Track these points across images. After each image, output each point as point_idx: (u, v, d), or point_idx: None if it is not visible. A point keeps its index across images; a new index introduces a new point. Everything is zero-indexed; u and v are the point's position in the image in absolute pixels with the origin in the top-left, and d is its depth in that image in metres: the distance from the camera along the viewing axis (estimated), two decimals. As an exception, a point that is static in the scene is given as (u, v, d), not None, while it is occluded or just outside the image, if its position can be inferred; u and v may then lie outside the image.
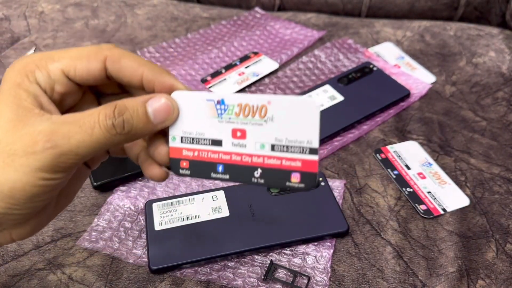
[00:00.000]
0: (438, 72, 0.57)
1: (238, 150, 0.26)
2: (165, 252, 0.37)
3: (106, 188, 0.43)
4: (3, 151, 0.24)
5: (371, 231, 0.40)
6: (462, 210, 0.42)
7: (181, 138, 0.27)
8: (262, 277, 0.36)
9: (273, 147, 0.25)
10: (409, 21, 0.66)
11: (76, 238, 0.40)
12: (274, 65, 0.57)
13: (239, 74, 0.56)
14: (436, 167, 0.45)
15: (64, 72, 0.26)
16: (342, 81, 0.53)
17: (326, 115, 0.50)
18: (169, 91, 0.26)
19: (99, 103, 0.29)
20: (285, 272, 0.37)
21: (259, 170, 0.26)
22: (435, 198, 0.42)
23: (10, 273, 0.37)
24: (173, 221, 0.39)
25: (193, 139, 0.27)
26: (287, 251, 0.38)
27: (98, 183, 0.43)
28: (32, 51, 0.61)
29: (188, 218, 0.40)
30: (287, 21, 0.65)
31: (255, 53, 0.59)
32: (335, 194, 0.43)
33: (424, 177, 0.44)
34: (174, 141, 0.27)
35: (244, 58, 0.58)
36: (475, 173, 0.45)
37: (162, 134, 0.27)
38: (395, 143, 0.48)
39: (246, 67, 0.57)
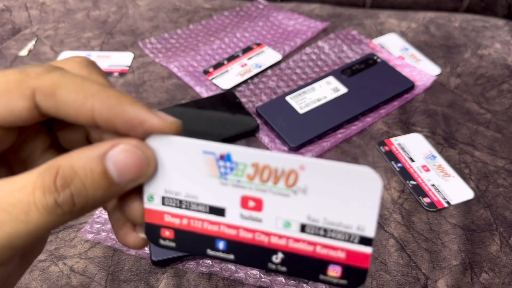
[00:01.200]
0: (443, 64, 0.56)
1: (249, 224, 0.19)
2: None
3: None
4: None
5: (374, 223, 0.40)
6: (466, 203, 0.41)
7: (163, 198, 0.20)
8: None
9: (303, 228, 0.19)
10: (414, 12, 0.65)
11: (78, 230, 0.39)
12: (277, 57, 0.56)
13: (242, 66, 0.55)
14: (440, 160, 0.45)
15: None
16: (345, 73, 0.53)
17: (329, 107, 0.49)
18: (139, 130, 0.18)
19: (48, 135, 0.21)
20: (287, 264, 0.37)
21: (280, 255, 0.19)
22: (439, 191, 0.42)
23: (12, 264, 0.37)
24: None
25: (181, 201, 0.20)
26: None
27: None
28: (33, 42, 0.61)
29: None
30: (290, 12, 0.65)
31: (258, 44, 0.58)
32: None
33: (428, 170, 0.44)
34: (152, 202, 0.20)
35: (246, 49, 0.58)
36: (480, 166, 0.44)
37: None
38: (399, 135, 0.47)
39: (248, 59, 0.56)
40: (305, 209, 0.18)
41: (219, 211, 0.19)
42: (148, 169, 0.18)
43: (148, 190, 0.20)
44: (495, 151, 0.46)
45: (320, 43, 0.58)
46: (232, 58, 0.56)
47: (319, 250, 0.19)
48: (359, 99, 0.50)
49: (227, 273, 0.36)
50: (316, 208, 0.18)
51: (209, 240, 0.20)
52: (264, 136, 0.48)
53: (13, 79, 0.18)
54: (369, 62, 0.54)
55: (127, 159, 0.18)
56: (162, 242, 0.20)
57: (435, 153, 0.45)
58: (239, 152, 0.18)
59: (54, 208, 0.16)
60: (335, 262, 0.19)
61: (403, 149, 0.46)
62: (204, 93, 0.52)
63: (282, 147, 0.47)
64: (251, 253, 0.19)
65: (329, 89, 0.51)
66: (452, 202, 0.41)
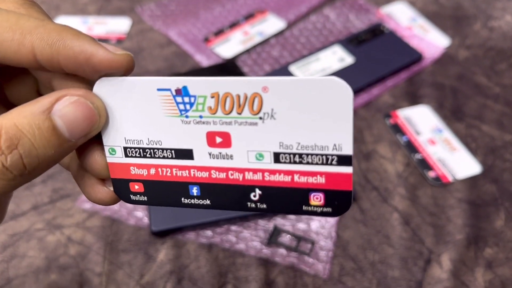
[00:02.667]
0: (452, 35, 0.54)
1: (220, 163, 0.17)
2: (167, 214, 0.36)
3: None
4: None
5: (378, 197, 0.39)
6: (472, 177, 0.40)
7: (125, 149, 0.18)
8: (266, 241, 0.36)
9: (277, 157, 0.17)
10: (423, -19, 0.63)
11: (75, 199, 0.39)
12: (281, 24, 0.54)
13: (244, 34, 0.53)
14: (447, 133, 0.44)
15: None
16: (352, 42, 0.51)
17: (334, 78, 0.48)
18: (86, 68, 0.16)
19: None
20: (289, 236, 0.36)
21: (258, 191, 0.18)
22: (445, 165, 0.41)
23: (9, 232, 0.36)
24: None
25: (144, 150, 0.18)
26: (291, 216, 0.37)
27: None
28: None
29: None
30: (294, -22, 0.62)
31: (261, 11, 0.56)
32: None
33: (434, 143, 0.43)
34: (114, 155, 0.18)
35: (249, 16, 0.55)
36: (487, 140, 0.43)
37: (95, 138, 0.18)
38: (406, 108, 0.46)
39: (251, 26, 0.54)
40: (276, 136, 0.17)
41: (186, 154, 0.18)
42: (100, 120, 0.17)
43: (107, 143, 0.18)
44: (503, 126, 0.45)
45: (326, 11, 0.56)
46: (233, 25, 0.54)
47: (297, 179, 0.17)
48: (366, 70, 0.48)
49: (227, 244, 0.36)
50: (287, 133, 0.17)
51: (181, 188, 0.18)
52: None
53: None
54: (377, 32, 0.52)
55: (75, 112, 0.16)
56: (133, 197, 0.19)
57: (442, 126, 0.44)
58: (195, 82, 0.16)
59: (2, 173, 0.15)
60: (316, 189, 0.17)
61: (409, 122, 0.45)
62: (204, 61, 0.51)
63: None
64: (227, 195, 0.18)
65: (334, 59, 0.49)
66: (458, 177, 0.40)
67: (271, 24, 0.54)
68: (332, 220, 0.37)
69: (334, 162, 0.17)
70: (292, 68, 0.49)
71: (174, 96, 0.17)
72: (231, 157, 0.17)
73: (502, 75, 0.50)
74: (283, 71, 0.49)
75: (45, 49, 0.16)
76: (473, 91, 0.48)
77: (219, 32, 0.53)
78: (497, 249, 0.36)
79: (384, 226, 0.37)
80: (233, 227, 0.37)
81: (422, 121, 0.45)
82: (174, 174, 0.18)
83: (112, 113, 0.17)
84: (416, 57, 0.50)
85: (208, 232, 0.36)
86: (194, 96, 0.17)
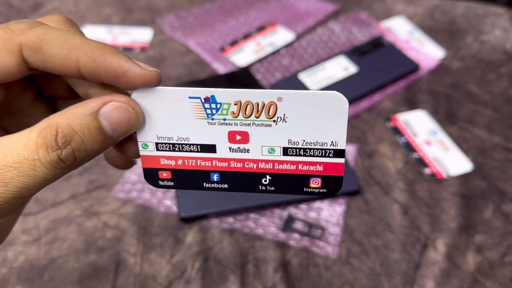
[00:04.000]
0: (446, 47, 0.60)
1: (238, 156, 0.22)
2: (194, 203, 0.41)
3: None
4: None
5: (379, 190, 0.44)
6: (464, 174, 0.45)
7: (157, 144, 0.22)
8: (281, 227, 0.40)
9: (286, 151, 0.22)
10: (420, -2, 0.69)
11: (110, 189, 0.43)
12: (290, 36, 0.59)
13: (257, 44, 0.58)
14: (441, 135, 0.49)
15: None
16: (355, 54, 0.56)
17: (339, 85, 0.53)
18: (122, 80, 0.19)
19: (49, 104, 0.23)
20: (301, 223, 0.41)
21: (268, 177, 0.22)
22: (439, 163, 0.46)
23: (51, 218, 0.41)
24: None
25: (173, 145, 0.22)
26: (303, 206, 0.42)
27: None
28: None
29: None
30: (301, -6, 0.67)
31: (272, 24, 0.61)
32: (347, 157, 0.46)
33: (430, 144, 0.48)
34: (147, 149, 0.22)
35: (260, 28, 0.60)
36: (477, 141, 0.48)
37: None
38: (404, 112, 0.51)
39: (263, 38, 0.59)
40: (286, 135, 0.21)
41: (210, 148, 0.22)
42: (138, 122, 0.20)
43: (141, 140, 0.21)
44: (491, 129, 0.50)
45: (331, 25, 0.62)
46: (246, 36, 0.59)
47: (301, 167, 0.22)
48: (368, 78, 0.53)
49: (247, 229, 0.40)
50: (295, 132, 0.21)
51: (204, 175, 0.22)
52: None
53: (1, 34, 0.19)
54: (377, 44, 0.57)
55: (118, 115, 0.19)
56: (160, 183, 0.23)
57: (437, 129, 0.49)
58: (221, 93, 0.20)
59: (57, 163, 0.18)
60: (315, 175, 0.22)
61: (407, 124, 0.50)
62: (221, 69, 0.56)
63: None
64: (242, 180, 0.22)
65: (339, 68, 0.55)
66: (451, 173, 0.45)
67: (281, 35, 0.59)
68: (339, 210, 0.42)
69: (330, 155, 0.21)
70: (301, 76, 0.54)
71: (203, 103, 0.21)
72: (248, 151, 0.22)
73: (491, 84, 0.55)
74: (293, 79, 0.54)
75: (88, 63, 0.19)
76: (465, 98, 0.53)
77: (233, 43, 0.59)
78: (485, 235, 0.40)
79: (386, 215, 0.42)
80: (252, 215, 0.41)
81: (419, 124, 0.50)
82: (199, 164, 0.22)
83: (147, 115, 0.21)
84: (413, 67, 0.55)
85: (230, 219, 0.41)
86: (220, 103, 0.21)
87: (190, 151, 0.22)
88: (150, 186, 0.43)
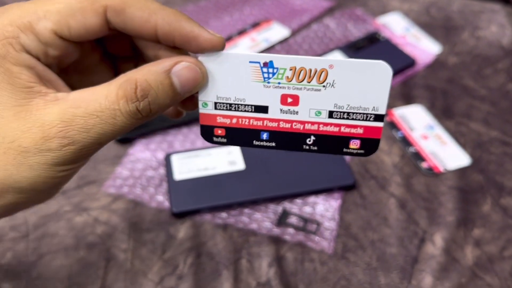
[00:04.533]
0: (442, 43, 0.59)
1: (287, 117, 0.24)
2: (186, 198, 0.40)
3: (127, 140, 0.46)
4: (10, 148, 0.20)
5: (376, 185, 0.43)
6: (461, 168, 0.44)
7: (215, 104, 0.24)
8: (276, 222, 0.39)
9: (331, 114, 0.23)
10: (415, -5, 0.68)
11: (100, 185, 0.42)
12: (285, 32, 0.59)
13: (251, 40, 0.58)
14: (438, 130, 0.48)
15: (57, 33, 0.21)
16: (350, 49, 0.55)
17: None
18: (193, 43, 0.21)
19: (112, 65, 0.25)
20: (296, 218, 0.40)
21: (312, 138, 0.24)
22: (436, 157, 0.45)
23: (40, 214, 0.40)
24: (191, 171, 0.42)
25: (230, 105, 0.23)
26: (299, 200, 0.41)
27: (120, 136, 0.45)
28: None
29: (205, 169, 0.42)
30: (297, -9, 0.67)
31: (266, 20, 0.61)
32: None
33: (426, 138, 0.47)
34: (206, 107, 0.24)
35: (255, 25, 0.60)
36: (474, 136, 0.48)
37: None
38: (401, 107, 0.51)
39: (258, 34, 0.59)
40: (333, 99, 0.23)
41: (263, 109, 0.24)
42: (203, 81, 0.22)
43: (202, 99, 0.24)
44: (489, 124, 0.49)
45: (326, 21, 0.61)
46: (241, 32, 0.59)
47: (343, 129, 0.24)
48: (363, 73, 0.53)
49: (241, 224, 0.39)
50: (342, 97, 0.23)
51: (255, 133, 0.24)
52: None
53: None
54: (373, 39, 0.57)
55: (187, 74, 0.21)
56: (215, 139, 0.25)
57: (434, 123, 0.49)
58: (279, 58, 0.22)
59: (135, 113, 0.21)
60: (356, 137, 0.24)
61: (404, 119, 0.49)
62: (215, 65, 0.55)
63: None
64: (289, 139, 0.24)
65: (334, 64, 0.54)
66: (449, 167, 0.44)
67: (276, 31, 0.59)
68: (335, 204, 0.41)
69: (371, 119, 0.23)
70: (296, 71, 0.53)
71: (261, 67, 0.23)
72: (297, 113, 0.23)
73: (488, 79, 0.55)
74: (288, 74, 0.53)
75: (165, 27, 0.21)
76: (462, 92, 0.53)
77: (228, 39, 0.58)
78: (484, 229, 0.40)
79: (382, 209, 0.41)
80: (246, 210, 0.40)
81: (415, 119, 0.49)
82: (251, 123, 0.24)
83: (210, 76, 0.23)
84: (409, 62, 0.55)
85: (223, 214, 0.40)
86: (277, 68, 0.22)
87: (245, 111, 0.24)
88: (141, 181, 0.42)
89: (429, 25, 0.62)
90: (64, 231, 0.39)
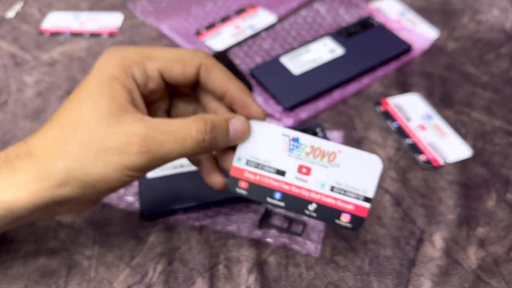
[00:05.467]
0: (440, 28, 0.55)
1: (299, 183, 0.29)
2: (157, 198, 0.36)
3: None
4: (95, 145, 0.25)
5: (369, 180, 0.39)
6: (462, 161, 0.41)
7: (247, 160, 0.29)
8: (257, 223, 0.35)
9: (332, 188, 0.29)
10: (411, -21, 0.64)
11: (66, 185, 0.38)
12: (272, 19, 0.55)
13: (235, 28, 0.54)
14: (437, 119, 0.44)
15: (160, 71, 0.28)
16: (342, 35, 0.52)
17: (325, 68, 0.48)
18: (244, 111, 0.29)
19: (170, 101, 0.31)
20: (280, 218, 0.36)
21: (314, 205, 0.29)
22: (435, 149, 0.41)
23: (-3, 218, 0.36)
24: (165, 167, 0.38)
25: (258, 164, 0.29)
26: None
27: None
28: (21, 4, 0.59)
29: (181, 166, 0.38)
30: (285, -23, 0.63)
31: (252, 6, 0.57)
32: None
33: (424, 129, 0.43)
34: (239, 162, 0.29)
35: (240, 11, 0.56)
36: (476, 125, 0.44)
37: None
38: (396, 96, 0.47)
39: (242, 21, 0.55)
40: (336, 177, 0.29)
41: (282, 173, 0.29)
42: (247, 135, 0.29)
43: (238, 154, 0.29)
44: (491, 112, 0.45)
45: (316, 5, 0.57)
46: (225, 19, 0.55)
47: (339, 203, 0.29)
48: (355, 61, 0.49)
49: (219, 226, 0.35)
50: (342, 176, 0.29)
51: (270, 191, 0.29)
52: (258, 96, 0.47)
53: (188, 54, 0.28)
54: (366, 24, 0.53)
55: (239, 126, 0.28)
56: (238, 190, 0.29)
57: (432, 113, 0.45)
58: (304, 137, 0.29)
59: (201, 142, 0.26)
60: (347, 212, 0.29)
61: (399, 109, 0.45)
62: (196, 54, 0.51)
63: (276, 107, 0.46)
64: (296, 202, 0.29)
65: (325, 50, 0.50)
66: (449, 160, 0.40)
67: (262, 18, 0.55)
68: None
69: (361, 199, 0.29)
70: (283, 60, 0.49)
71: (290, 140, 0.29)
72: (307, 182, 0.29)
73: (490, 64, 0.51)
74: (274, 62, 0.49)
75: (233, 93, 0.29)
76: (462, 80, 0.49)
77: (210, 26, 0.54)
78: (488, 228, 0.36)
79: (375, 207, 0.37)
80: (224, 210, 0.36)
81: (412, 108, 0.45)
82: (269, 183, 0.29)
83: (250, 138, 0.29)
84: (405, 48, 0.51)
85: (199, 215, 0.36)
86: (301, 143, 0.29)
87: (268, 171, 0.29)
88: (110, 180, 0.38)
89: (426, 9, 0.58)
90: (24, 237, 0.35)
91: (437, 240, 0.35)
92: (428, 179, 0.39)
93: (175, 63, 0.28)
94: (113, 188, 0.26)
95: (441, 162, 0.40)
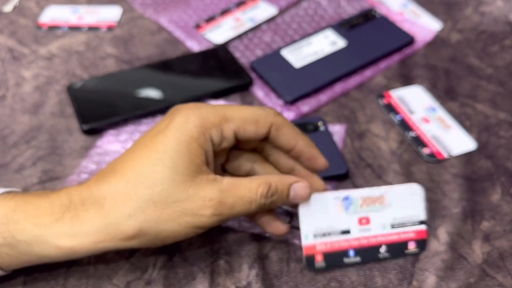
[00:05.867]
0: (443, 20, 0.54)
1: (364, 234, 0.31)
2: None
3: (95, 131, 0.41)
4: (170, 205, 0.26)
5: (371, 174, 0.38)
6: (467, 154, 0.40)
7: (314, 234, 0.31)
8: (259, 218, 0.35)
9: (392, 226, 0.32)
10: (414, -30, 0.63)
11: (65, 181, 0.38)
12: (273, 11, 0.54)
13: (235, 20, 0.53)
14: (440, 112, 0.43)
15: (235, 132, 0.29)
16: (344, 27, 0.51)
17: (327, 61, 0.48)
18: (312, 162, 0.31)
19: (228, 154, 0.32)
20: (281, 212, 0.35)
21: (384, 247, 0.31)
22: (439, 142, 0.40)
23: (-5, 213, 0.36)
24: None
25: (324, 233, 0.31)
26: (285, 192, 0.37)
27: (88, 127, 0.41)
28: (15, 2, 0.58)
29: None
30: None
31: None
32: (335, 138, 0.41)
33: (428, 122, 0.42)
34: (307, 239, 0.31)
35: (240, 3, 0.55)
36: (481, 118, 0.43)
37: None
38: (399, 88, 0.46)
39: (243, 13, 0.54)
40: (391, 215, 0.32)
41: (347, 232, 0.31)
42: (307, 199, 0.31)
43: (304, 232, 0.31)
44: (496, 104, 0.45)
45: (317, -2, 0.56)
46: (224, 12, 0.54)
47: (402, 236, 0.32)
48: (358, 53, 0.48)
49: (220, 221, 0.35)
50: (396, 212, 0.32)
51: (344, 253, 0.31)
52: (259, 90, 0.46)
53: (261, 113, 0.29)
54: (368, 16, 0.52)
55: (301, 192, 0.30)
56: (316, 265, 0.31)
57: (436, 105, 0.44)
58: (353, 194, 0.32)
59: (263, 205, 0.28)
60: (411, 239, 0.32)
61: (402, 101, 0.44)
62: (195, 47, 0.50)
63: (277, 101, 0.45)
64: (369, 252, 0.31)
65: (326, 43, 0.49)
66: (453, 153, 0.40)
67: (263, 10, 0.54)
68: (326, 196, 0.36)
69: (417, 224, 0.32)
70: (284, 52, 0.49)
71: (342, 201, 0.31)
72: (370, 229, 0.32)
73: (495, 56, 0.50)
74: (275, 55, 0.49)
75: (302, 148, 0.30)
76: (466, 72, 0.48)
77: (210, 19, 0.53)
78: (494, 222, 0.35)
79: (379, 201, 0.36)
80: (225, 205, 0.36)
81: (415, 101, 0.44)
82: (340, 245, 0.31)
83: (309, 214, 0.31)
84: (408, 40, 0.50)
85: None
86: (352, 199, 0.32)
87: (334, 235, 0.31)
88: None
89: (429, 0, 0.57)
90: (22, 232, 0.34)
91: (442, 234, 0.34)
92: (432, 173, 0.38)
93: (248, 124, 0.29)
94: (175, 241, 0.28)
95: (445, 155, 0.40)
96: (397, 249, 0.31)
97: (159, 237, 0.27)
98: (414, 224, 0.32)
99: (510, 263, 0.33)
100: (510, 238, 0.34)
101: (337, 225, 0.31)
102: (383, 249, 0.31)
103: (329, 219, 0.31)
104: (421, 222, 0.32)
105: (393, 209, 0.32)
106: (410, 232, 0.32)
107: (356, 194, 0.31)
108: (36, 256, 0.27)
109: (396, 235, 0.32)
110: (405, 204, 0.32)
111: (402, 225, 0.32)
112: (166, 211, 0.26)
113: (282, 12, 0.55)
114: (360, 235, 0.31)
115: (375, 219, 0.31)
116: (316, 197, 0.31)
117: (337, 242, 0.31)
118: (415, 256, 0.32)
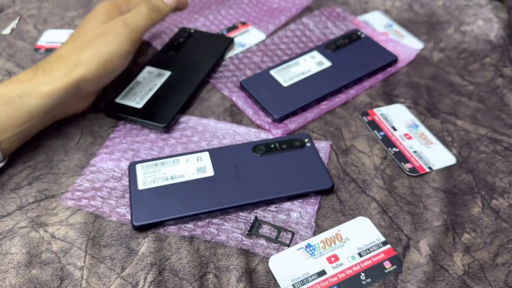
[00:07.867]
0: (426, 39, 0.57)
1: (339, 269, 0.33)
2: (149, 209, 0.37)
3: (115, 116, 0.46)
4: (97, 33, 0.41)
5: (356, 188, 0.40)
6: (448, 168, 0.41)
7: (293, 285, 0.33)
8: (246, 233, 0.36)
9: (360, 254, 0.34)
10: (398, -8, 0.66)
11: (59, 199, 0.39)
12: (261, 36, 0.56)
13: (226, 42, 0.55)
14: (422, 128, 0.45)
15: None
16: (329, 47, 0.53)
17: (313, 80, 0.49)
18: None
19: None
20: (269, 227, 0.37)
21: (363, 274, 0.33)
22: (421, 157, 0.42)
23: (-9, 231, 0.37)
24: (156, 180, 0.39)
25: (302, 281, 0.33)
26: (272, 208, 0.38)
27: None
28: (16, 21, 0.60)
29: (172, 178, 0.39)
30: (275, -8, 0.64)
31: (243, 23, 0.58)
32: (321, 154, 0.42)
33: (410, 138, 0.44)
34: None
35: (231, 28, 0.57)
36: (462, 134, 0.45)
37: None
38: (382, 106, 0.48)
39: (233, 37, 0.56)
40: (354, 245, 0.35)
41: (322, 273, 0.33)
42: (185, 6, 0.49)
43: (283, 286, 0.32)
44: (477, 120, 0.46)
45: (304, 19, 0.59)
46: (216, 34, 0.56)
47: (374, 259, 0.34)
48: (343, 72, 0.50)
49: (208, 236, 0.36)
50: (357, 242, 0.35)
51: None
52: (248, 108, 0.48)
53: None
54: (353, 37, 0.54)
55: None
56: None
57: (418, 122, 0.46)
58: (312, 240, 0.35)
59: (152, 11, 0.44)
60: (384, 259, 0.34)
61: (385, 118, 0.46)
62: (188, 68, 0.52)
63: (266, 119, 0.46)
64: (351, 283, 0.33)
65: (313, 63, 0.51)
66: (434, 168, 0.41)
67: (252, 35, 0.56)
68: (312, 211, 0.38)
69: (381, 245, 0.35)
70: (273, 72, 0.50)
71: (305, 249, 0.35)
72: (342, 264, 0.34)
73: (476, 74, 0.52)
74: (264, 75, 0.50)
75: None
76: (448, 89, 0.50)
77: (202, 41, 0.55)
78: (475, 234, 0.36)
79: (363, 215, 0.38)
80: (215, 220, 0.37)
81: (398, 118, 0.46)
82: (322, 286, 0.33)
83: (282, 272, 0.33)
84: (391, 59, 0.52)
85: (190, 226, 0.37)
86: (314, 245, 0.35)
87: (313, 280, 0.33)
88: (101, 193, 0.39)
89: (413, 21, 0.60)
90: (17, 249, 0.35)
91: (424, 247, 0.35)
92: (414, 187, 0.40)
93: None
94: (117, 68, 0.41)
95: (427, 170, 0.41)
96: (375, 272, 0.33)
97: (101, 63, 0.40)
98: (379, 247, 0.35)
99: (490, 275, 0.34)
100: (491, 250, 0.35)
101: (311, 270, 0.33)
102: (363, 276, 0.33)
103: (301, 268, 0.33)
104: (384, 243, 0.35)
105: (352, 241, 0.35)
106: (379, 253, 0.34)
107: (315, 239, 0.35)
108: (27, 111, 0.37)
109: (368, 260, 0.34)
110: (361, 234, 0.35)
111: (369, 250, 0.34)
112: (98, 38, 0.41)
113: (270, 35, 0.57)
114: (336, 271, 0.33)
115: (342, 254, 0.34)
116: (281, 255, 0.34)
117: (318, 284, 0.33)
118: (395, 272, 0.34)
